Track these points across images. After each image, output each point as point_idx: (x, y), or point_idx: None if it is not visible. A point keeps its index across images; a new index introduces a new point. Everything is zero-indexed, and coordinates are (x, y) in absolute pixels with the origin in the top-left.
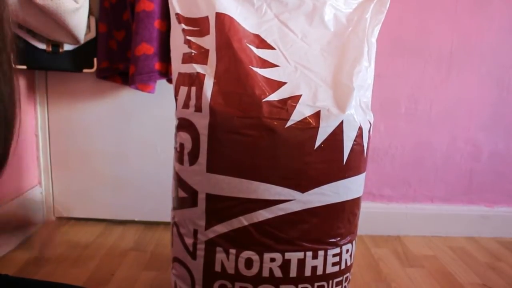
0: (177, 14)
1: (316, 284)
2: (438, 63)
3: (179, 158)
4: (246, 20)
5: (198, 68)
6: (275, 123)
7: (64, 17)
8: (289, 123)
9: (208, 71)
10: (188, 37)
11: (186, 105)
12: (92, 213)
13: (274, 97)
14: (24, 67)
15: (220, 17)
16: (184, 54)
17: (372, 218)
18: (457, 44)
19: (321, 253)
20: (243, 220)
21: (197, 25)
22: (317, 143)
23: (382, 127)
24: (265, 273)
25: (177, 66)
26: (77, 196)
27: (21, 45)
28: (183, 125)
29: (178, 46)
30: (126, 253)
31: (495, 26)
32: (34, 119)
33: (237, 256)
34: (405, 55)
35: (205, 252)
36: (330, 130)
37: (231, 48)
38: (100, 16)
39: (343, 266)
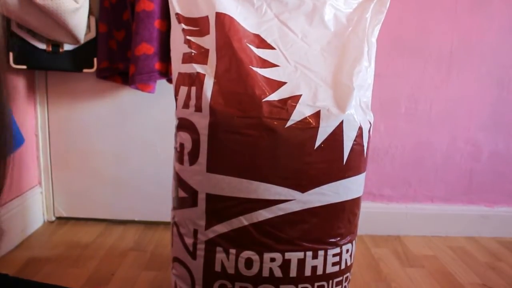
0: (177, 14)
1: (316, 284)
2: (438, 63)
3: (179, 158)
4: (246, 20)
5: (198, 68)
6: (275, 123)
7: (64, 17)
8: (289, 123)
9: (208, 71)
10: (188, 37)
11: (186, 105)
12: (92, 213)
13: (274, 97)
14: (24, 67)
15: (220, 17)
16: (184, 54)
17: (372, 218)
18: (457, 44)
19: (321, 253)
20: (243, 220)
21: (197, 25)
22: (317, 143)
23: (382, 127)
24: (265, 273)
25: (177, 66)
26: (77, 196)
27: (21, 45)
28: (183, 125)
29: (178, 46)
30: (126, 253)
31: (495, 26)
32: (34, 119)
33: (237, 256)
34: (405, 55)
35: (205, 252)
36: (330, 130)
37: (231, 48)
38: (100, 16)
39: (343, 266)
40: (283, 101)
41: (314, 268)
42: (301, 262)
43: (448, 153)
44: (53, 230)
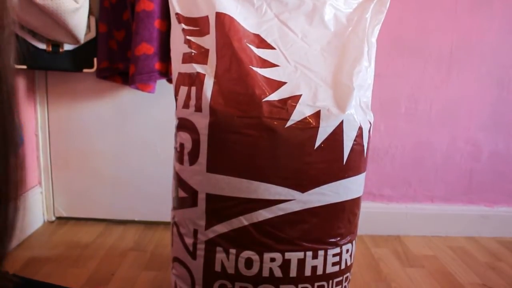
0: (177, 14)
1: (316, 284)
2: (438, 63)
3: (179, 158)
4: (246, 20)
5: (198, 68)
6: (275, 123)
7: (64, 17)
8: (289, 123)
9: (208, 71)
10: (188, 37)
11: (186, 105)
12: (92, 213)
13: (274, 97)
14: (24, 67)
15: (220, 16)
16: (184, 54)
17: (372, 218)
18: (457, 44)
19: (321, 253)
20: (243, 220)
21: (197, 25)
22: (317, 143)
23: (382, 127)
24: (265, 273)
25: (177, 66)
26: (77, 196)
27: (21, 45)
28: (183, 125)
29: (178, 46)
30: (126, 253)
31: (495, 26)
32: (34, 119)
33: (237, 256)
34: (405, 55)
35: (205, 252)
36: (330, 130)
37: (231, 48)
38: (100, 16)
39: (343, 266)
40: (283, 101)
41: (314, 268)
42: (301, 262)
43: (448, 153)
44: (53, 230)
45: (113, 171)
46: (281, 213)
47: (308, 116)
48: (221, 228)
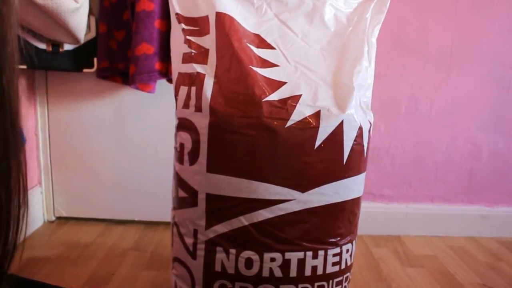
0: (177, 14)
1: (316, 284)
2: (438, 63)
3: (179, 158)
4: (246, 20)
5: (198, 68)
6: (275, 123)
7: (64, 17)
8: (289, 123)
9: (208, 71)
10: (188, 37)
11: (186, 105)
12: (92, 213)
13: (274, 97)
14: (24, 67)
15: (220, 16)
16: (184, 54)
17: (372, 218)
18: (457, 44)
19: (321, 253)
20: (243, 220)
21: (197, 25)
22: (317, 143)
23: (382, 126)
24: (265, 273)
25: (177, 66)
26: (77, 196)
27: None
28: (183, 125)
29: (178, 46)
30: (126, 253)
31: (495, 26)
32: (34, 119)
33: (237, 256)
34: (405, 55)
35: (205, 252)
36: (330, 130)
37: (231, 47)
38: (100, 16)
39: (343, 266)
40: (283, 101)
41: (314, 268)
42: (301, 262)
43: (448, 152)
44: (53, 230)
45: (113, 171)
46: (281, 213)
47: (308, 116)
48: (221, 228)
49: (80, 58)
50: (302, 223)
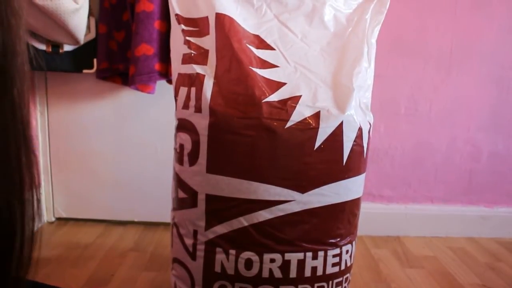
0: (176, 14)
1: (316, 285)
2: (438, 64)
3: (179, 159)
4: (246, 21)
5: (198, 68)
6: (275, 123)
7: (64, 18)
8: (289, 124)
9: (208, 72)
10: (187, 38)
11: (186, 106)
12: (91, 214)
13: (274, 97)
14: None
15: (220, 17)
16: (184, 55)
17: (372, 218)
18: (456, 44)
19: (321, 253)
20: (243, 221)
21: (197, 26)
22: (317, 144)
23: (382, 127)
24: (265, 274)
25: (177, 67)
26: (77, 196)
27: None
28: (183, 125)
29: (178, 46)
30: (126, 254)
31: (495, 26)
32: (33, 120)
33: (237, 257)
34: (405, 56)
35: (205, 252)
36: (330, 130)
37: (231, 48)
38: (100, 16)
39: (343, 267)
40: (283, 102)
41: (314, 269)
42: (301, 263)
43: (447, 153)
44: (52, 231)
45: (113, 171)
46: (281, 214)
47: (308, 117)
48: (221, 229)
49: (80, 59)
50: (302, 224)
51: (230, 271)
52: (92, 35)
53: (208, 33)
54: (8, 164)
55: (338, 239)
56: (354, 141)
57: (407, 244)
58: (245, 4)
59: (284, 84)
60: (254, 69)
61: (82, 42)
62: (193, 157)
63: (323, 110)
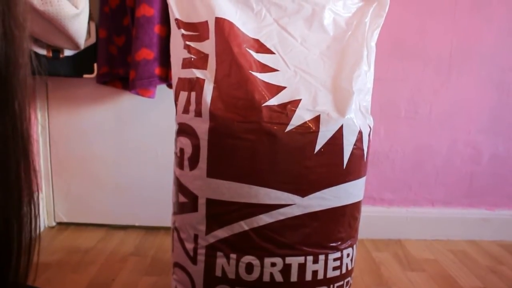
0: (176, 19)
1: None
2: (438, 66)
3: (179, 163)
4: (245, 25)
5: (197, 73)
6: (275, 127)
7: (64, 23)
8: (289, 128)
9: (207, 76)
10: (187, 42)
11: (186, 110)
12: (92, 219)
13: (274, 101)
14: None
15: (219, 22)
16: (184, 59)
17: (373, 222)
18: (456, 47)
19: (321, 257)
20: (244, 225)
21: (197, 30)
22: (317, 147)
23: (382, 130)
24: (266, 278)
25: (177, 71)
26: (78, 201)
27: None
28: (183, 130)
29: (177, 51)
30: (126, 258)
31: (494, 29)
32: (34, 125)
33: (237, 261)
34: (404, 59)
35: (206, 257)
36: (330, 134)
37: (230, 53)
38: (100, 21)
39: (344, 271)
40: (283, 106)
41: (315, 273)
42: (302, 267)
43: (448, 156)
44: (53, 236)
45: (114, 176)
46: (281, 217)
47: (308, 120)
48: (221, 233)
49: (80, 63)
50: (302, 227)
51: (231, 275)
52: (93, 39)
53: (208, 38)
54: (7, 178)
55: (339, 243)
56: (354, 144)
57: (408, 247)
58: (244, 8)
59: (284, 88)
60: (254, 73)
61: (82, 47)
62: (194, 162)
63: (323, 114)
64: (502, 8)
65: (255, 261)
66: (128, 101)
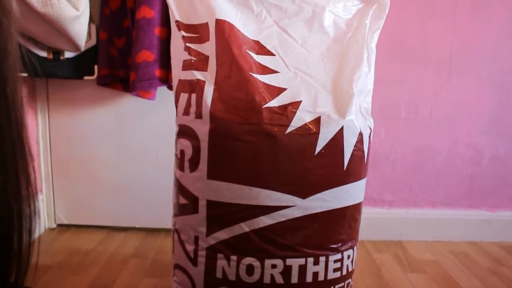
0: (177, 21)
1: None
2: (438, 68)
3: (180, 165)
4: (245, 27)
5: (198, 74)
6: (275, 129)
7: (65, 25)
8: (289, 129)
9: (208, 78)
10: (188, 44)
11: (186, 112)
12: (93, 220)
13: (274, 103)
14: (25, 74)
15: (219, 23)
16: (184, 61)
17: (374, 223)
18: (456, 49)
19: (322, 259)
20: (244, 227)
21: (197, 32)
22: (318, 149)
23: (383, 132)
24: (267, 280)
25: (178, 73)
26: (78, 203)
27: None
28: (184, 132)
29: (178, 53)
30: (127, 260)
31: (494, 30)
32: (35, 127)
33: (238, 263)
34: (405, 60)
35: (206, 258)
36: (330, 136)
37: (231, 54)
38: (101, 23)
39: (344, 272)
40: (283, 107)
41: (315, 275)
42: (303, 269)
43: (448, 157)
44: (54, 237)
45: (114, 178)
46: (282, 219)
47: (308, 122)
48: (222, 234)
49: (81, 65)
50: (303, 229)
51: (232, 277)
52: (93, 41)
53: (208, 39)
54: (3, 162)
55: (340, 244)
56: (355, 146)
57: (409, 248)
58: (245, 10)
59: (285, 89)
60: (254, 75)
61: (83, 49)
62: (194, 163)
63: (323, 115)
64: (502, 9)
65: (256, 263)
66: (129, 103)
